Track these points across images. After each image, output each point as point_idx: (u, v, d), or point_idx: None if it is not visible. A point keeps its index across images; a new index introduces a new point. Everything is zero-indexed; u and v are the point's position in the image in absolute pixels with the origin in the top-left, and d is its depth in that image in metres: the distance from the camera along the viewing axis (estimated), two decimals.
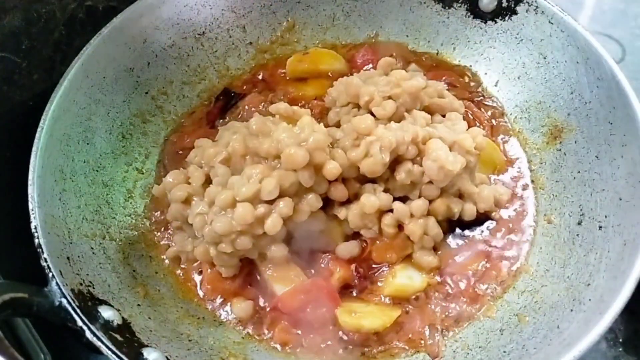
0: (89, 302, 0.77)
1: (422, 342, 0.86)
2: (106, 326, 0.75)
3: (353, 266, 0.90)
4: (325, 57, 1.13)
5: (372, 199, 0.87)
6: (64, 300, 0.74)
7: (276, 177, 0.82)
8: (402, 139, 0.86)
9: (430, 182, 0.88)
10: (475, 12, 1.09)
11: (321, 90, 1.07)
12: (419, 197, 0.89)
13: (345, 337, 0.86)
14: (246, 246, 0.84)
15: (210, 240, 0.84)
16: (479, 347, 0.84)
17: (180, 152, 1.03)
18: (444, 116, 0.97)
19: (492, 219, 0.95)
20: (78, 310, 0.74)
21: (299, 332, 0.86)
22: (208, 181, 0.87)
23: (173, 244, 0.94)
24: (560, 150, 0.98)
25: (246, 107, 1.06)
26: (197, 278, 0.92)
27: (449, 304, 0.88)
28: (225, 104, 1.08)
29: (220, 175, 0.84)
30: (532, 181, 0.99)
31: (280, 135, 0.84)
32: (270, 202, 0.83)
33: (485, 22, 1.09)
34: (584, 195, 0.91)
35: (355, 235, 0.92)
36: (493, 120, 1.06)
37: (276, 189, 0.81)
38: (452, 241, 0.93)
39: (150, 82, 1.05)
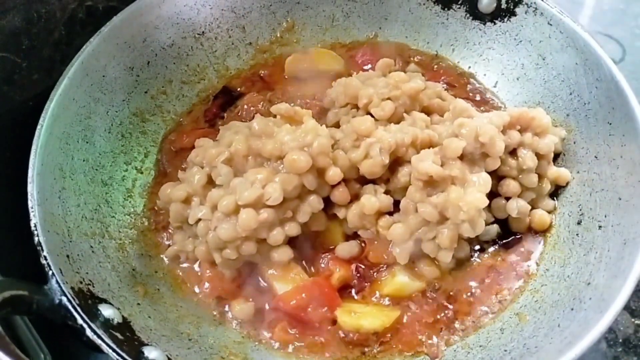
0: (88, 301, 0.77)
1: (422, 341, 0.86)
2: (106, 324, 0.75)
3: (353, 266, 0.90)
4: (325, 57, 1.13)
5: (373, 200, 0.87)
6: (63, 299, 0.74)
7: (280, 182, 0.82)
8: (402, 141, 0.86)
9: None
10: (475, 13, 1.09)
11: (319, 90, 1.07)
12: None
13: (344, 337, 0.86)
14: (251, 251, 0.84)
15: (215, 247, 0.85)
16: (480, 346, 0.84)
17: (179, 151, 1.03)
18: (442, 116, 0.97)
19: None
20: (78, 309, 0.73)
21: (299, 331, 0.86)
22: (209, 181, 0.87)
23: (173, 243, 0.93)
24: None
25: (245, 106, 1.06)
26: (197, 277, 0.91)
27: (449, 303, 0.88)
28: (224, 102, 1.08)
29: (224, 175, 0.84)
30: None
31: (283, 137, 0.84)
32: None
33: (484, 24, 1.09)
34: (584, 195, 0.92)
35: (356, 235, 0.92)
36: None
37: (281, 195, 0.81)
38: None
39: (149, 81, 1.05)
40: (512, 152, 0.91)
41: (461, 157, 0.86)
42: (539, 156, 0.92)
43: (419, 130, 0.89)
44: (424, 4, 1.12)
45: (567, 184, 0.94)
